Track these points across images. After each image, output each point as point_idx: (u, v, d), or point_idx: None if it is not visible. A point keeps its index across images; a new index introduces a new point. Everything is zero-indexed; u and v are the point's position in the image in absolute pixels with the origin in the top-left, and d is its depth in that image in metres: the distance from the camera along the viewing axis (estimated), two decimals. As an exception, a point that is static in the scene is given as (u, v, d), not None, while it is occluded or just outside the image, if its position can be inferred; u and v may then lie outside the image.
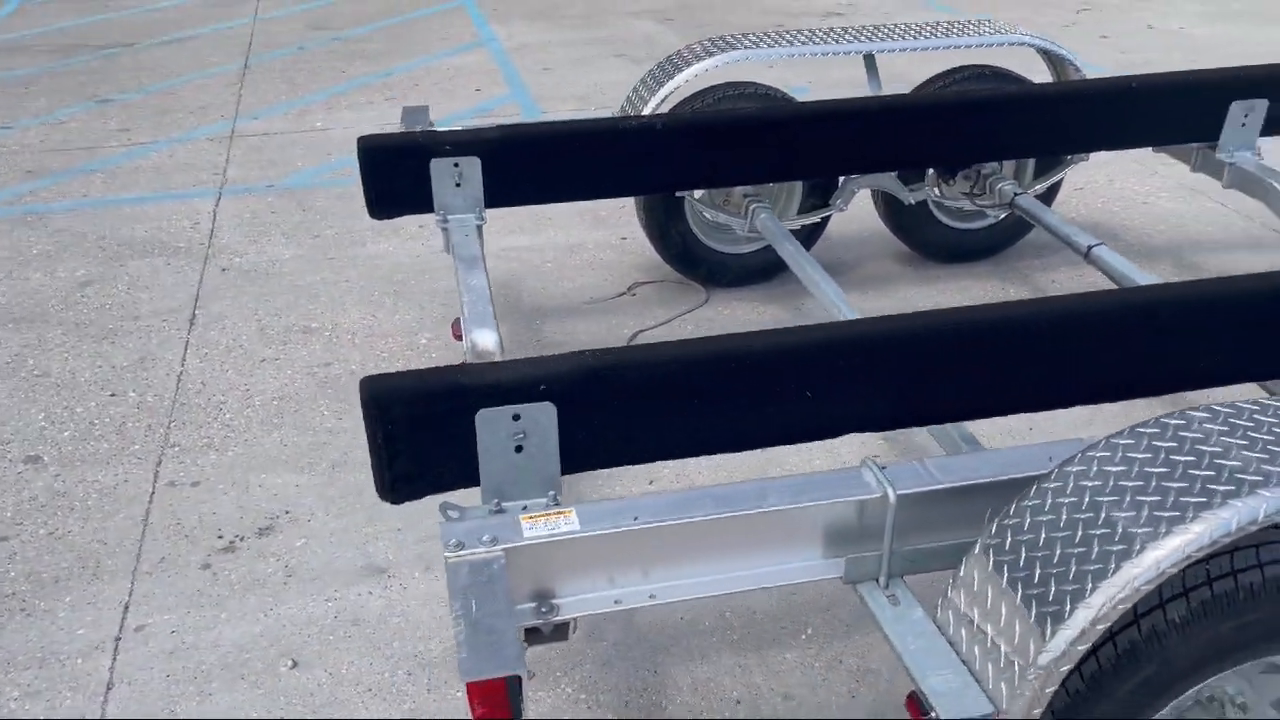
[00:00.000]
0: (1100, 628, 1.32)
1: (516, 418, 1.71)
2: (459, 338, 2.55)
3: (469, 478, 1.75)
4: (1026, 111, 3.27)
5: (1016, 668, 1.37)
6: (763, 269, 3.70)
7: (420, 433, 1.71)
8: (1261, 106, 3.25)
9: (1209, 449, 1.43)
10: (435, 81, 6.06)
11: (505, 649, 1.34)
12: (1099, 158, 3.76)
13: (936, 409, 1.92)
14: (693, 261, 3.62)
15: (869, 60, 3.53)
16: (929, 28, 3.57)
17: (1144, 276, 2.94)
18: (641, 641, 2.27)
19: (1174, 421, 1.49)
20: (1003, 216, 3.79)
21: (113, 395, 3.13)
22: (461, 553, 1.51)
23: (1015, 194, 3.47)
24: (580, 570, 1.57)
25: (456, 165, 2.87)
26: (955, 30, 3.56)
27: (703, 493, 1.61)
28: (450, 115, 5.45)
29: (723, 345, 1.79)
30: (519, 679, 1.31)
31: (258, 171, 4.77)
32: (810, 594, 2.37)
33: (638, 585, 1.61)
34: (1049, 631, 1.34)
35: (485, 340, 2.46)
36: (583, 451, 1.77)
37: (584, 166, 2.96)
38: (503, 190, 2.93)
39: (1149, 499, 1.38)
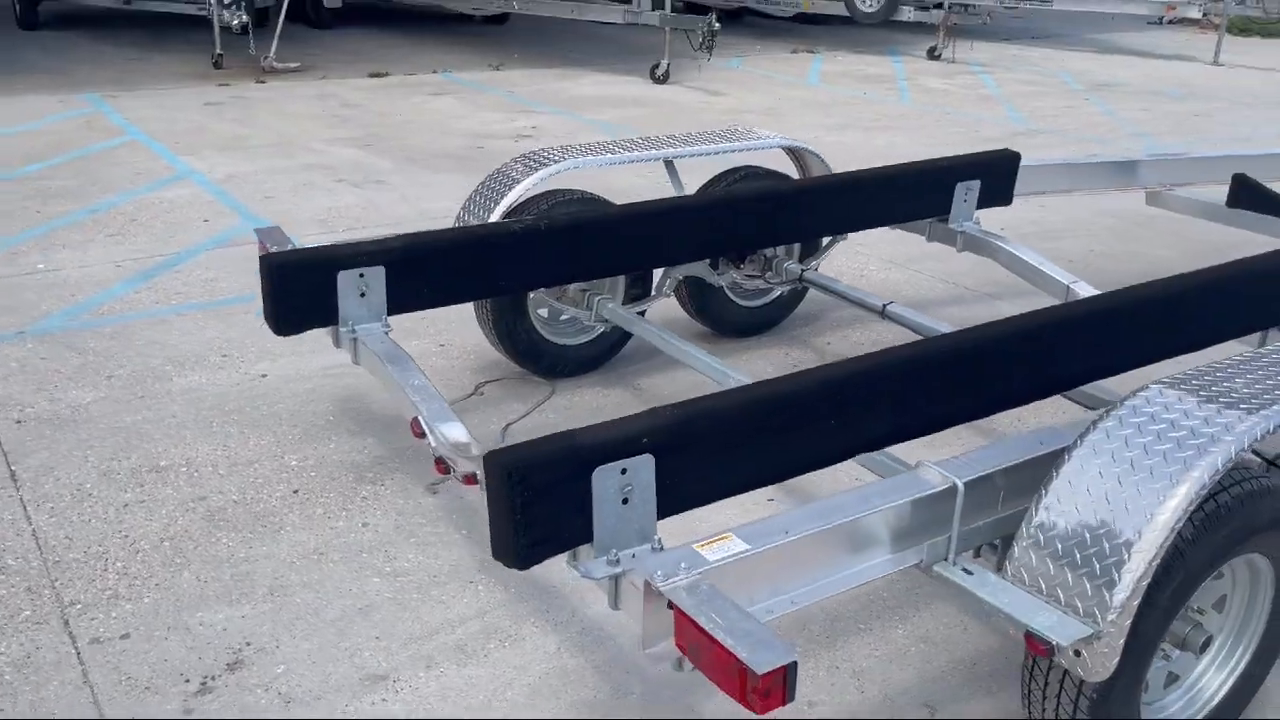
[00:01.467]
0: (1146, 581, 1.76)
1: (624, 471, 1.90)
2: (421, 435, 2.62)
3: (584, 534, 1.90)
4: (805, 201, 3.87)
5: (1105, 596, 1.77)
6: (594, 358, 4.00)
7: (548, 496, 1.84)
8: (976, 185, 4.11)
9: (1170, 419, 1.94)
10: (155, 215, 5.77)
11: (773, 642, 1.54)
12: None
13: (912, 426, 2.33)
14: (537, 356, 3.84)
15: (669, 165, 4.01)
16: (708, 136, 4.12)
17: (934, 321, 3.62)
18: (667, 685, 2.44)
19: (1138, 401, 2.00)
20: (779, 294, 4.39)
21: (-37, 566, 2.77)
22: (670, 581, 1.68)
23: (802, 270, 4.07)
24: (742, 587, 1.78)
25: (362, 276, 2.93)
26: (727, 137, 4.14)
27: (822, 505, 1.90)
28: (195, 246, 5.26)
29: (775, 388, 2.10)
30: (795, 665, 1.51)
31: (-5, 319, 4.33)
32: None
33: (770, 598, 1.85)
34: (1092, 594, 1.76)
35: (455, 432, 2.57)
36: (673, 496, 1.98)
37: (477, 269, 3.13)
38: (404, 297, 3.03)
39: (1152, 462, 1.85)
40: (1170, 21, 16.88)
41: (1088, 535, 1.83)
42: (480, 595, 2.75)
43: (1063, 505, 1.88)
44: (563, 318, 3.93)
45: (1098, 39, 15.46)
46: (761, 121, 8.94)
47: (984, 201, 4.17)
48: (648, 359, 4.16)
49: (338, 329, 3.01)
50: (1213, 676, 2.20)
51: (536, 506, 1.83)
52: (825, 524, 1.84)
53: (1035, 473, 2.08)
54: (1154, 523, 1.78)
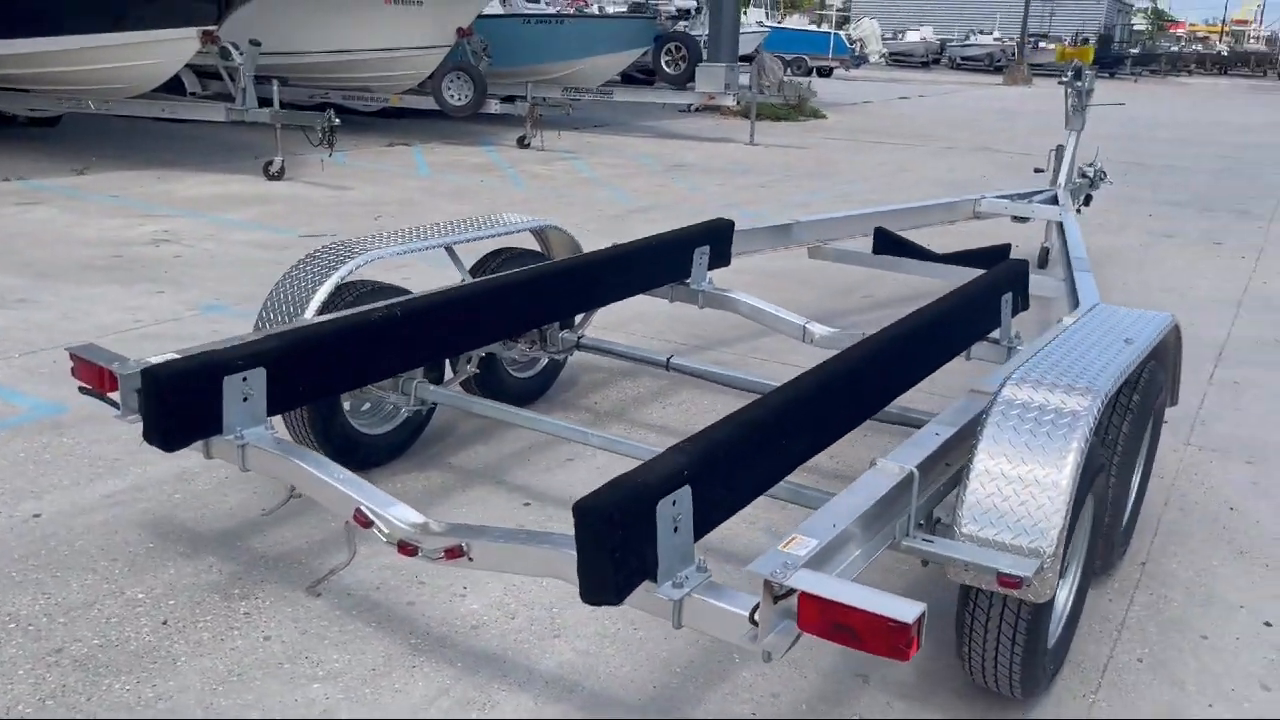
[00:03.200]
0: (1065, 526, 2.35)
1: (674, 503, 2.16)
2: (367, 525, 2.62)
3: (652, 563, 2.12)
4: (579, 276, 4.23)
5: (1042, 536, 2.33)
6: (402, 444, 4.03)
7: (632, 532, 2.06)
8: (707, 250, 4.72)
9: (1038, 406, 2.57)
10: None
11: (900, 601, 1.88)
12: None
13: (826, 439, 2.78)
14: (352, 449, 3.80)
15: (450, 250, 4.20)
16: (476, 222, 4.36)
17: (712, 366, 4.15)
18: (650, 708, 2.65)
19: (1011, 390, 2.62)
20: (545, 363, 4.69)
21: None
22: (788, 576, 1.96)
23: (579, 337, 4.41)
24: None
25: (245, 380, 2.84)
26: (491, 224, 4.40)
27: (839, 502, 2.29)
28: None
29: (752, 415, 2.45)
30: (925, 612, 1.87)
31: None
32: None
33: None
34: (1031, 539, 2.33)
35: (408, 514, 2.63)
36: (701, 520, 2.26)
37: (347, 360, 3.13)
38: (282, 396, 2.96)
39: (1045, 431, 2.46)
40: (696, 109, 19.32)
41: (1016, 496, 2.39)
42: (430, 676, 2.77)
43: (991, 477, 2.42)
44: (364, 408, 3.94)
45: (649, 125, 17.39)
46: (402, 211, 9.14)
47: (714, 264, 4.80)
48: (443, 439, 4.26)
49: (211, 440, 2.87)
50: (1064, 593, 2.86)
51: (627, 543, 2.03)
52: (854, 514, 2.23)
53: (940, 459, 2.63)
54: (1062, 475, 2.38)
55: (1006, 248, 5.41)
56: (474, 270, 4.40)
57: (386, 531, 2.59)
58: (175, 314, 5.84)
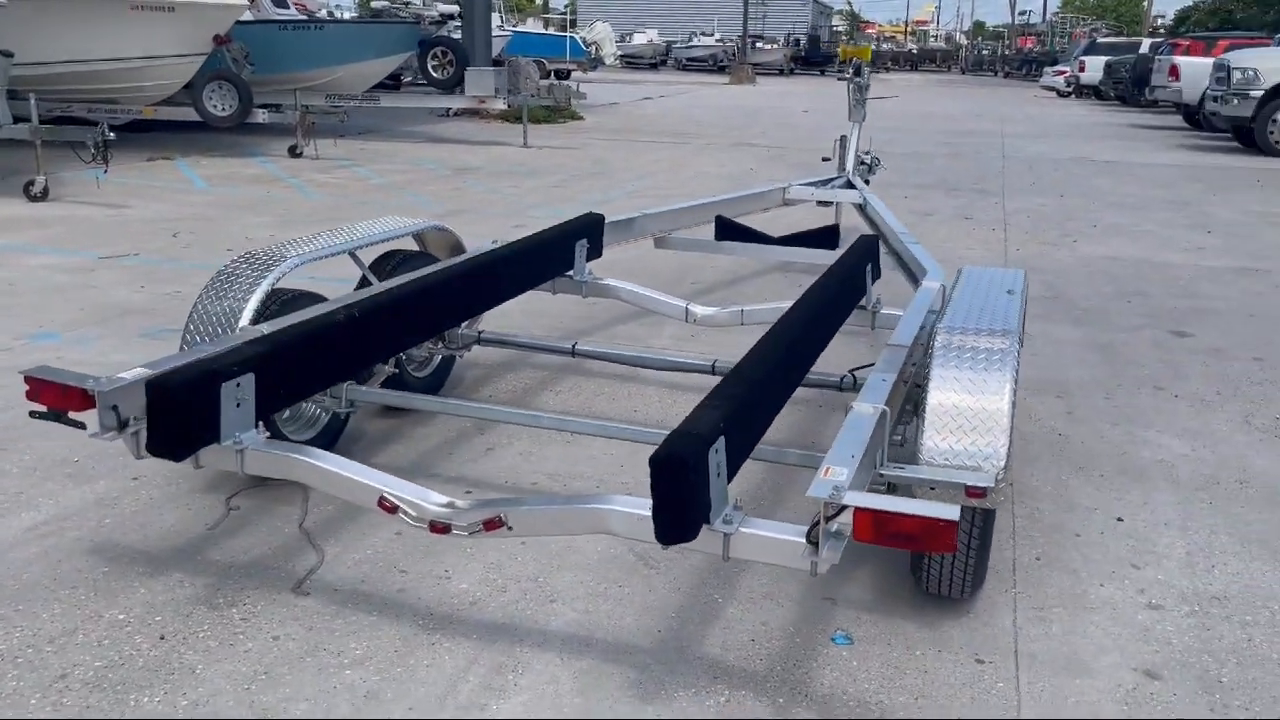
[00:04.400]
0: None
1: (716, 451, 2.47)
2: (392, 510, 2.74)
3: (706, 505, 2.42)
4: (481, 276, 4.38)
5: (994, 453, 2.80)
6: (325, 449, 4.05)
7: (698, 476, 2.34)
8: (585, 244, 5.00)
9: (970, 349, 3.05)
10: None
11: (939, 506, 2.27)
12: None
13: (787, 393, 3.17)
14: (285, 457, 3.82)
15: (354, 255, 4.25)
16: (368, 227, 4.44)
17: (623, 350, 4.44)
18: (680, 658, 2.93)
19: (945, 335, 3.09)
20: (439, 361, 4.82)
21: None
22: (845, 496, 2.30)
23: (480, 333, 4.58)
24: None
25: (238, 385, 2.87)
26: (382, 228, 4.49)
27: (844, 439, 2.65)
28: None
29: (751, 375, 2.78)
30: (960, 512, 2.27)
31: None
32: (701, 570, 3.28)
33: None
34: (985, 457, 2.81)
35: (430, 495, 2.78)
36: (729, 466, 2.57)
37: (318, 361, 3.20)
38: (269, 400, 3.00)
39: (985, 367, 2.95)
40: (456, 113, 19.25)
41: (967, 423, 2.85)
42: (453, 649, 2.91)
43: (944, 409, 2.87)
44: (284, 416, 3.95)
45: (415, 130, 17.25)
46: (203, 228, 8.79)
47: (592, 256, 5.08)
48: (357, 440, 4.32)
49: (199, 451, 2.87)
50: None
51: (695, 487, 2.32)
52: (861, 446, 2.61)
53: (894, 399, 3.07)
54: (1003, 400, 2.86)
55: (835, 228, 6.02)
56: (373, 272, 4.46)
57: (415, 514, 2.72)
58: (3, 344, 5.46)
